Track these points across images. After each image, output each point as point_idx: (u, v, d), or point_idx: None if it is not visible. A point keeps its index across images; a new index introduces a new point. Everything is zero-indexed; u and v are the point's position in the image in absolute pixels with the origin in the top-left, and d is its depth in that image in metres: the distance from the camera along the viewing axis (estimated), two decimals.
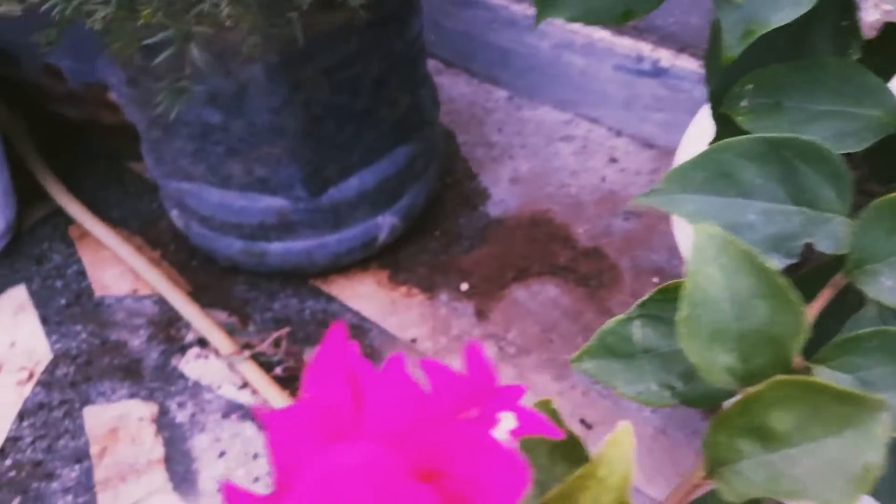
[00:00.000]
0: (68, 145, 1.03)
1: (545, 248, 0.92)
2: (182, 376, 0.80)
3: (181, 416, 0.77)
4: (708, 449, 0.22)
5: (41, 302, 0.88)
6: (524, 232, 0.94)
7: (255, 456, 0.73)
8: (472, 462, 0.16)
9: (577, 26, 1.05)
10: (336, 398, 0.18)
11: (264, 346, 0.82)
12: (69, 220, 0.96)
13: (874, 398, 0.21)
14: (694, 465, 0.23)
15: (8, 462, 0.75)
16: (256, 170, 0.76)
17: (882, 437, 0.21)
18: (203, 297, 0.87)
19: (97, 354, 0.83)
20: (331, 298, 0.87)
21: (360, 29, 0.69)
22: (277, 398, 0.76)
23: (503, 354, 0.81)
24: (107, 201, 0.98)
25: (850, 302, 0.31)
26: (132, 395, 0.79)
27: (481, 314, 0.85)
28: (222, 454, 0.74)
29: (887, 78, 0.38)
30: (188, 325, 0.85)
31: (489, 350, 0.81)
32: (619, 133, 1.05)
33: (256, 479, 0.71)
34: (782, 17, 0.33)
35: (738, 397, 0.24)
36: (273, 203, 0.79)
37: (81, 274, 0.91)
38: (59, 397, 0.79)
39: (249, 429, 0.76)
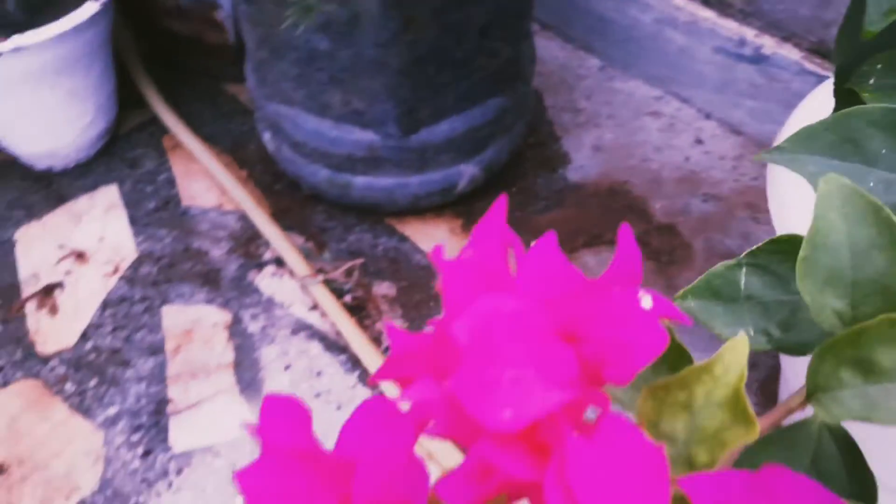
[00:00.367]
0: (171, 60, 1.06)
1: (619, 218, 0.92)
2: (257, 291, 0.84)
3: (253, 327, 0.81)
4: (811, 376, 0.24)
5: (131, 203, 0.92)
6: (600, 200, 0.94)
7: (319, 374, 0.76)
8: (616, 324, 0.18)
9: (681, 2, 1.04)
10: (494, 258, 0.19)
11: (337, 274, 0.85)
12: (164, 131, 1.00)
13: None
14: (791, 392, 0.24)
15: (88, 346, 0.79)
16: (354, 101, 0.78)
17: None
18: (283, 220, 0.90)
19: (179, 259, 0.87)
20: (403, 238, 0.89)
21: None
22: (345, 324, 0.79)
23: None
24: (201, 118, 1.02)
25: None
26: (209, 301, 0.83)
27: None
28: (288, 367, 0.77)
29: None
30: (267, 244, 0.88)
31: None
32: (708, 115, 1.04)
33: (318, 395, 0.74)
34: None
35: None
36: (364, 137, 0.81)
37: (171, 182, 0.94)
38: (140, 293, 0.84)
39: (315, 348, 0.79)
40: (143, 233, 0.89)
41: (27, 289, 0.84)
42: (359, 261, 0.86)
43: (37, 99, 0.86)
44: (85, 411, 0.74)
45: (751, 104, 1.02)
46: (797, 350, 0.29)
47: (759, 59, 1.00)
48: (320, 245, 0.88)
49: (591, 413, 0.20)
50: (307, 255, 0.87)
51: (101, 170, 0.95)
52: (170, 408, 0.74)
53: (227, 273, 0.85)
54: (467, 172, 0.87)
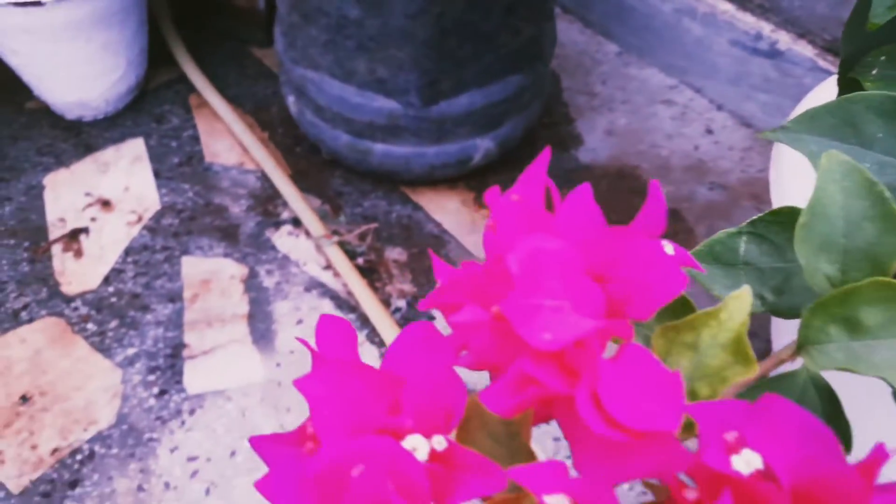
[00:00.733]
0: (201, 21, 1.08)
1: (626, 200, 0.95)
2: (273, 248, 0.87)
3: (268, 282, 0.84)
4: (802, 330, 0.27)
5: (156, 157, 0.95)
6: (609, 182, 0.97)
7: None
8: (641, 267, 0.21)
9: None
10: (536, 202, 0.22)
11: (351, 237, 0.88)
12: (190, 89, 1.02)
13: None
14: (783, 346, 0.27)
15: (111, 289, 0.82)
16: (379, 70, 0.81)
17: None
18: (301, 182, 0.93)
19: (200, 213, 0.89)
20: (417, 207, 0.92)
21: None
22: (357, 284, 0.82)
23: None
24: (226, 79, 1.04)
25: None
26: (227, 255, 0.86)
27: None
28: (300, 322, 0.80)
29: None
30: (285, 204, 0.91)
31: None
32: (720, 107, 1.06)
33: None
34: None
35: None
36: (386, 105, 0.84)
37: (195, 139, 0.97)
38: (161, 243, 0.86)
39: (327, 305, 0.82)
40: (167, 186, 0.92)
41: (54, 232, 0.87)
42: (373, 225, 0.89)
43: (73, 50, 0.88)
44: (105, 350, 0.77)
45: (763, 98, 1.05)
46: (788, 313, 0.32)
47: (773, 53, 1.03)
48: (336, 208, 0.91)
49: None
50: (323, 217, 0.89)
51: (129, 123, 0.98)
52: (185, 352, 0.78)
53: (246, 229, 0.88)
54: (483, 146, 0.90)
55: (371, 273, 0.85)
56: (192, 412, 0.74)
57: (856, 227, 0.28)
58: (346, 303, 0.82)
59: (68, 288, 0.82)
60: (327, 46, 0.81)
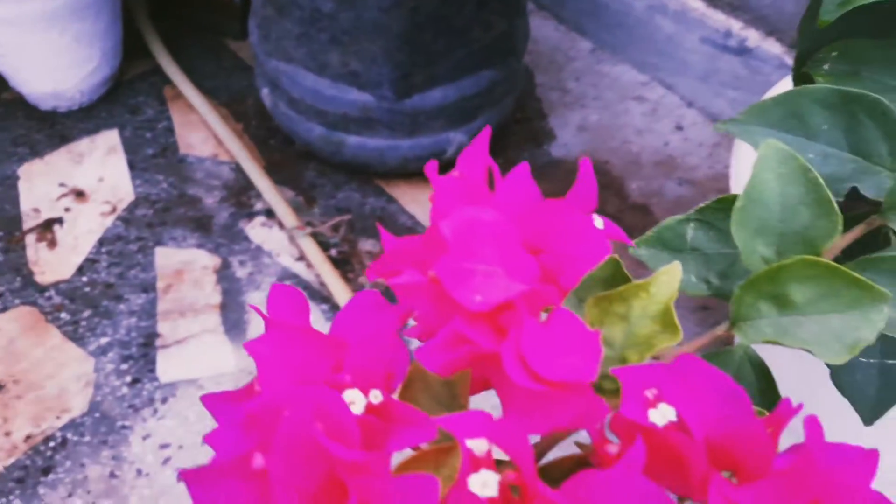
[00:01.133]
0: (176, 13, 1.09)
1: (597, 195, 0.96)
2: (246, 238, 0.87)
3: (241, 273, 0.84)
4: (734, 306, 0.28)
5: (130, 148, 0.95)
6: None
7: None
8: (570, 238, 0.22)
9: None
10: (477, 178, 0.23)
11: (324, 228, 0.89)
12: (165, 81, 1.03)
13: (881, 289, 0.26)
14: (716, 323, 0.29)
15: (84, 279, 0.83)
16: (352, 63, 0.82)
17: (878, 323, 0.26)
18: (275, 173, 0.94)
19: (174, 204, 0.90)
20: (391, 199, 0.93)
21: None
22: (330, 275, 0.83)
23: None
24: (201, 71, 1.04)
25: (879, 242, 0.36)
26: (200, 246, 0.86)
27: None
28: None
29: None
30: (259, 196, 0.91)
31: None
32: (690, 103, 1.08)
33: None
34: None
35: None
36: (360, 97, 0.85)
37: (170, 131, 0.97)
38: (135, 233, 0.87)
39: None
40: (141, 177, 0.92)
41: (28, 222, 0.87)
42: (346, 217, 0.90)
43: (47, 41, 0.88)
44: (78, 339, 0.78)
45: (732, 94, 1.07)
46: (730, 296, 0.34)
47: (742, 51, 1.05)
48: (310, 200, 0.92)
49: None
50: (297, 209, 0.90)
51: (104, 114, 0.98)
52: (158, 342, 0.78)
53: (219, 220, 0.89)
54: (456, 140, 0.91)
55: (344, 264, 0.86)
56: (164, 400, 0.74)
57: (791, 211, 0.29)
58: (319, 293, 0.83)
59: (42, 277, 0.83)
60: (301, 39, 0.82)
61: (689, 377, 0.21)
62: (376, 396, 0.20)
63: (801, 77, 0.43)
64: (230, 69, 1.06)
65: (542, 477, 0.20)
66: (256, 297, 0.82)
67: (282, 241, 0.87)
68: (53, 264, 0.84)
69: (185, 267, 0.84)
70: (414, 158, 0.90)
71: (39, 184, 0.91)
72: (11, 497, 0.67)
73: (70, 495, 0.68)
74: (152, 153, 0.95)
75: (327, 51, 0.82)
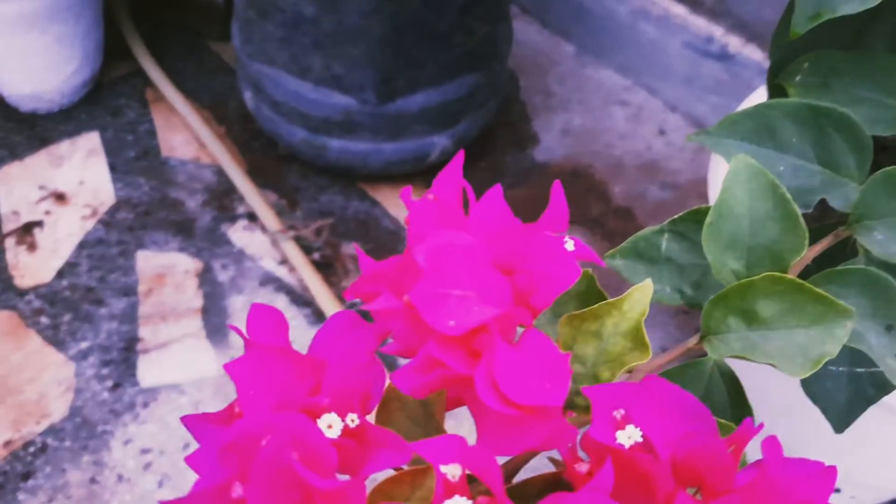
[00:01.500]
0: (158, 15, 1.08)
1: (581, 199, 0.97)
2: (229, 242, 0.87)
3: (223, 276, 0.84)
4: (704, 320, 0.28)
5: (112, 150, 0.95)
6: (564, 181, 0.99)
7: None
8: (542, 259, 0.23)
9: None
10: (451, 201, 0.24)
11: (307, 232, 0.89)
12: (147, 83, 1.02)
13: (845, 306, 0.27)
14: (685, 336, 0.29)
15: (65, 283, 0.82)
16: (335, 66, 0.82)
17: (842, 337, 0.27)
18: (258, 176, 0.94)
19: (156, 207, 0.90)
20: (374, 203, 0.93)
21: None
22: (312, 279, 0.83)
23: None
24: (183, 73, 1.04)
25: (846, 254, 0.37)
26: (181, 249, 0.86)
27: None
28: None
29: None
30: (241, 199, 0.91)
31: None
32: (673, 108, 1.09)
33: None
34: (851, 7, 0.38)
35: None
36: (342, 101, 0.85)
37: (152, 133, 0.97)
38: (116, 237, 0.87)
39: (282, 300, 0.83)
40: (122, 180, 0.92)
41: (7, 225, 0.87)
42: (328, 221, 0.90)
43: (26, 42, 0.88)
44: (58, 344, 0.77)
45: (714, 100, 1.08)
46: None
47: (724, 56, 1.06)
48: (293, 203, 0.92)
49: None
50: (279, 212, 0.90)
51: (84, 117, 0.98)
52: (139, 346, 0.78)
53: (201, 224, 0.89)
54: (439, 144, 0.91)
55: (327, 268, 0.86)
56: (145, 405, 0.74)
57: (760, 226, 0.30)
58: (301, 297, 0.83)
59: (21, 281, 0.82)
60: (283, 42, 0.82)
61: (655, 397, 0.22)
62: (353, 420, 0.21)
63: (774, 88, 0.44)
64: (212, 71, 1.06)
65: (515, 496, 0.21)
66: (238, 301, 0.83)
67: (264, 244, 0.87)
68: (33, 268, 0.83)
69: (166, 271, 0.84)
70: (397, 162, 0.91)
71: (19, 186, 0.90)
72: None
73: (50, 501, 0.68)
74: (134, 156, 0.95)
75: (310, 54, 0.82)
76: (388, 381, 0.25)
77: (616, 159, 1.01)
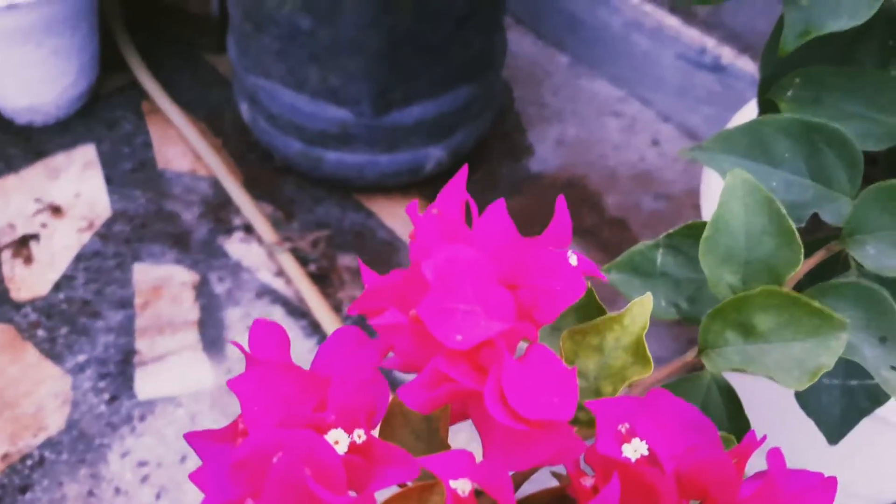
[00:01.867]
0: (154, 27, 1.09)
1: (574, 210, 0.98)
2: (225, 254, 0.88)
3: (219, 289, 0.84)
4: (702, 334, 0.29)
5: (108, 163, 0.95)
6: (558, 191, 0.99)
7: None
8: (547, 275, 0.23)
9: (649, 7, 1.09)
10: (455, 215, 0.24)
11: (303, 244, 0.89)
12: (143, 95, 1.02)
13: (840, 318, 0.27)
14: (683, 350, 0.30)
15: (61, 296, 0.82)
16: (331, 79, 0.83)
17: (837, 349, 0.28)
18: (254, 188, 0.94)
19: (152, 219, 0.90)
20: (370, 214, 0.94)
21: None
22: (308, 291, 0.84)
23: None
24: (179, 86, 1.04)
25: (838, 267, 0.37)
26: (178, 262, 0.86)
27: None
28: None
29: None
30: (237, 211, 0.91)
31: None
32: (666, 119, 1.10)
33: None
34: (839, 24, 0.39)
35: None
36: (338, 114, 0.85)
37: (148, 145, 0.97)
38: (113, 250, 0.87)
39: (278, 312, 0.83)
40: (118, 192, 0.92)
41: (3, 238, 0.87)
42: (325, 232, 0.90)
43: (23, 55, 0.88)
44: (55, 357, 0.77)
45: (707, 110, 1.09)
46: (700, 321, 0.35)
47: (717, 67, 1.07)
48: (289, 215, 0.92)
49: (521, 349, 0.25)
50: (276, 224, 0.90)
51: (80, 129, 0.98)
52: (136, 359, 0.78)
53: (198, 236, 0.89)
54: (434, 155, 0.92)
55: (323, 279, 0.86)
56: (142, 418, 0.74)
57: (756, 240, 0.31)
58: (298, 309, 0.83)
59: (18, 294, 0.82)
60: (280, 55, 0.83)
61: (659, 411, 0.22)
62: (360, 436, 0.21)
63: (765, 103, 0.45)
64: (208, 83, 1.06)
65: None
66: (235, 314, 0.83)
67: (261, 256, 0.88)
68: (29, 281, 0.83)
69: (163, 283, 0.84)
70: (393, 174, 0.91)
71: (15, 199, 0.90)
72: None
73: None
74: (130, 168, 0.95)
75: (306, 67, 0.82)
76: (391, 396, 0.25)
77: (610, 170, 1.02)
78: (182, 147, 0.97)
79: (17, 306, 0.81)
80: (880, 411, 0.37)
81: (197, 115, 1.01)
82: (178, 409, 0.75)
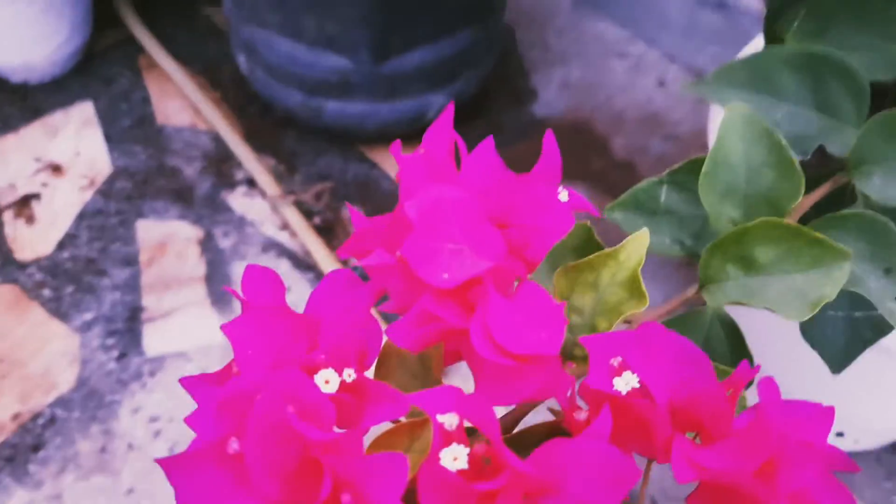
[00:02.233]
0: None
1: (581, 154, 0.97)
2: (229, 209, 0.87)
3: (224, 244, 0.84)
4: (702, 269, 0.28)
5: (106, 120, 0.94)
6: (564, 136, 0.98)
7: (289, 289, 0.80)
8: (535, 211, 0.22)
9: None
10: (442, 155, 0.23)
11: (307, 196, 0.89)
12: (139, 50, 1.01)
13: (842, 248, 0.27)
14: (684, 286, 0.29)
15: (65, 255, 0.82)
16: (328, 27, 0.81)
17: (840, 280, 0.27)
18: (255, 141, 0.93)
19: (153, 176, 0.89)
20: (373, 165, 0.93)
21: None
22: (314, 243, 0.83)
23: None
24: (176, 39, 1.03)
25: (845, 201, 0.37)
26: (181, 217, 0.86)
27: None
28: None
29: None
30: (239, 165, 0.91)
31: None
32: (672, 59, 1.07)
33: None
34: None
35: None
36: (337, 62, 0.84)
37: (146, 101, 0.96)
38: (115, 207, 0.86)
39: (284, 265, 0.83)
40: (118, 149, 0.91)
41: (5, 198, 0.87)
42: (328, 184, 0.90)
43: (14, 13, 0.87)
44: (62, 316, 0.78)
45: (713, 49, 1.06)
46: None
47: (722, 5, 1.04)
48: (291, 168, 0.91)
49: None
50: (278, 177, 0.90)
51: (77, 86, 0.97)
52: (144, 315, 0.78)
53: (200, 191, 0.88)
54: (436, 103, 0.90)
55: (328, 232, 0.86)
56: (152, 374, 0.75)
57: (756, 173, 0.30)
58: (304, 262, 0.83)
59: (22, 254, 0.82)
60: (275, 4, 0.81)
61: (652, 344, 0.22)
62: (350, 375, 0.21)
63: (770, 36, 0.43)
64: (205, 36, 1.04)
65: (515, 445, 0.21)
66: (241, 268, 0.83)
67: (265, 210, 0.87)
68: (33, 241, 0.83)
69: (167, 239, 0.84)
70: (394, 122, 0.90)
71: (14, 159, 0.90)
72: (2, 475, 0.68)
73: (61, 471, 0.69)
74: (129, 124, 0.94)
75: (303, 15, 0.81)
76: (386, 339, 0.25)
77: (616, 112, 1.00)
78: (181, 102, 0.96)
79: (22, 266, 0.81)
80: (886, 342, 0.37)
81: (194, 69, 1.00)
82: (187, 364, 0.75)
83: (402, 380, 0.25)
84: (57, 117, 0.94)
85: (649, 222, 0.36)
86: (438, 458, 0.19)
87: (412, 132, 0.93)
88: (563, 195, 0.23)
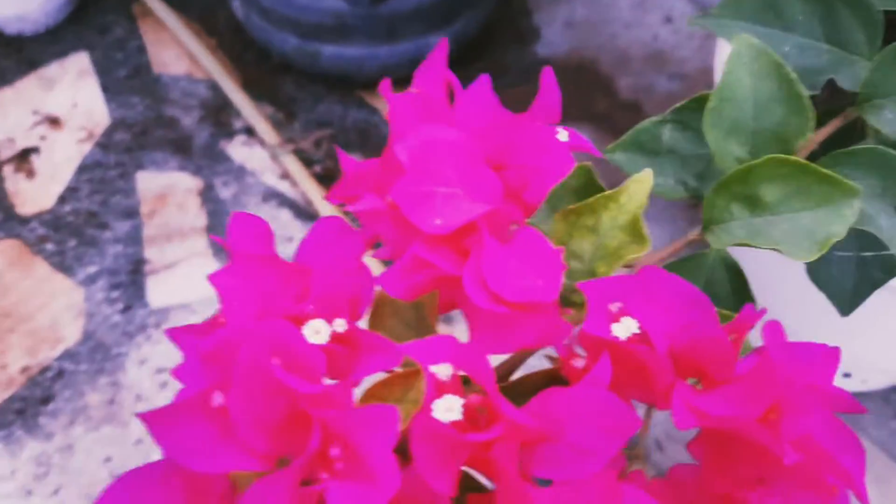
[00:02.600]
0: None
1: (586, 94, 0.94)
2: (228, 158, 0.86)
3: (225, 193, 0.83)
4: (706, 210, 0.27)
5: (102, 70, 0.93)
6: (568, 76, 0.96)
7: (290, 239, 0.80)
8: (533, 152, 0.21)
9: None
10: (435, 94, 0.22)
11: (307, 144, 0.87)
12: None
13: (851, 184, 0.26)
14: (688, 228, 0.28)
15: (67, 208, 0.82)
16: None
17: (849, 218, 0.26)
18: (253, 89, 0.91)
19: (152, 126, 0.88)
20: (374, 110, 0.91)
21: None
22: (315, 192, 0.82)
23: None
24: None
25: (855, 137, 0.35)
26: (181, 168, 0.85)
27: None
28: None
29: None
30: (238, 113, 0.89)
31: None
32: None
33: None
34: None
35: None
36: (333, 4, 0.82)
37: (142, 50, 0.94)
38: (114, 159, 0.86)
39: (286, 214, 0.82)
40: (116, 100, 0.90)
41: (4, 152, 0.86)
42: (327, 132, 0.88)
43: None
44: (66, 269, 0.78)
45: None
46: None
47: None
48: (290, 115, 0.90)
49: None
50: (277, 125, 0.88)
51: (71, 37, 0.95)
52: (147, 268, 0.78)
53: (199, 141, 0.87)
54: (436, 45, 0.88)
55: (329, 180, 0.85)
56: (157, 325, 0.75)
57: (764, 108, 0.29)
58: (305, 211, 0.82)
59: (23, 209, 0.82)
60: None
61: (651, 288, 0.21)
62: (340, 325, 0.20)
63: None
64: None
65: (511, 394, 0.20)
66: None
67: (264, 159, 0.86)
68: (34, 195, 0.83)
69: (167, 191, 0.84)
70: (393, 66, 0.88)
71: (11, 112, 0.89)
72: (13, 428, 0.69)
73: (71, 423, 0.69)
74: (125, 74, 0.92)
75: None
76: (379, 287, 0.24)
77: (622, 51, 0.98)
78: (177, 50, 0.94)
79: (24, 221, 0.81)
80: (893, 282, 0.36)
81: (189, 16, 0.98)
82: (192, 316, 0.75)
83: (396, 329, 0.24)
84: (53, 69, 0.92)
85: (652, 163, 0.34)
86: (431, 410, 0.18)
87: (412, 76, 0.91)
88: (563, 135, 0.22)
